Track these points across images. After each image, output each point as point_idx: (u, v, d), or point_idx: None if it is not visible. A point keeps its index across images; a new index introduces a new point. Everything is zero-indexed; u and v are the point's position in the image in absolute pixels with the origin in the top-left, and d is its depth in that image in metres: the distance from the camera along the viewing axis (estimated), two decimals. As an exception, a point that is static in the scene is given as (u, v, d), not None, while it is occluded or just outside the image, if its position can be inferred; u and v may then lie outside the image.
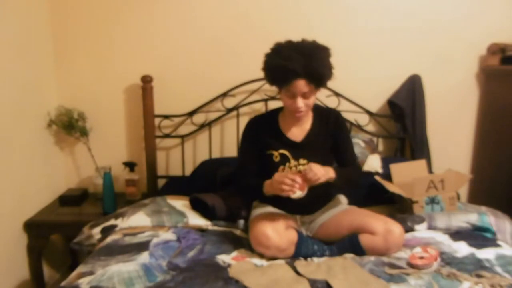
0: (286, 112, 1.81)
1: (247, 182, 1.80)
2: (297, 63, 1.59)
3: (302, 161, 1.77)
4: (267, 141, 1.80)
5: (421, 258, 1.54)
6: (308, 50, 1.63)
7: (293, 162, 1.77)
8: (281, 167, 1.77)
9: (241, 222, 1.95)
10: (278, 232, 1.63)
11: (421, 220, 1.86)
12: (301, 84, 1.62)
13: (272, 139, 1.80)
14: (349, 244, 1.66)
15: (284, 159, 1.77)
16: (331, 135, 1.82)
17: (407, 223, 1.84)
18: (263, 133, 1.81)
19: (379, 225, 1.65)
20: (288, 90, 1.65)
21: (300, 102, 1.66)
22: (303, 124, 1.82)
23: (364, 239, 1.65)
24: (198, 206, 2.01)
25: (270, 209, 1.82)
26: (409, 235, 1.78)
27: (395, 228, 1.65)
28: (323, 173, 1.61)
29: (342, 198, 1.92)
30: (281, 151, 1.78)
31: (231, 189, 2.09)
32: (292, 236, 1.67)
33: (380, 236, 1.63)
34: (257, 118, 1.89)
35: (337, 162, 1.87)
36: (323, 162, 1.76)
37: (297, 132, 1.81)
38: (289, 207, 1.81)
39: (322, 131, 1.82)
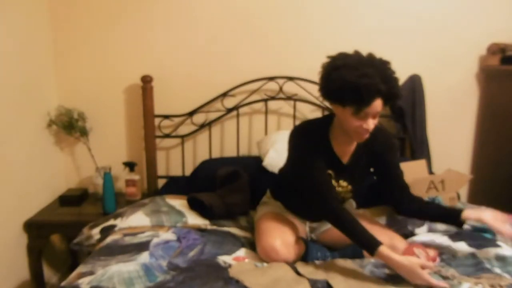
0: (337, 128, 1.63)
1: (352, 220, 1.53)
2: (380, 81, 1.44)
3: (342, 183, 1.69)
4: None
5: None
6: (379, 66, 1.49)
7: (333, 183, 1.67)
8: None
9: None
10: (287, 245, 1.61)
11: (421, 223, 1.85)
12: (379, 104, 1.47)
13: (323, 156, 1.63)
14: (352, 253, 1.63)
15: None
16: (375, 158, 1.69)
17: (408, 227, 1.84)
18: (316, 146, 1.63)
19: (383, 240, 1.55)
20: (362, 110, 1.47)
21: (372, 123, 1.50)
22: (350, 143, 1.66)
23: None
24: (197, 206, 2.01)
25: (280, 210, 1.80)
26: (409, 239, 1.76)
27: (400, 244, 1.62)
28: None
29: (351, 203, 1.90)
30: (327, 170, 1.65)
31: (230, 187, 2.09)
32: (301, 249, 1.65)
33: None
34: (310, 127, 1.69)
35: (382, 188, 1.73)
36: (360, 186, 1.74)
37: (344, 152, 1.67)
38: (301, 212, 1.80)
39: (365, 153, 1.69)
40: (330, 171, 1.66)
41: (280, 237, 1.62)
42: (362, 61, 1.49)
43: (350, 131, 1.55)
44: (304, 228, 1.80)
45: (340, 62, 1.50)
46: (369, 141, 1.62)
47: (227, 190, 2.06)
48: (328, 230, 1.75)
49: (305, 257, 1.63)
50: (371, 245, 1.46)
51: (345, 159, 1.68)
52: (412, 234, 1.82)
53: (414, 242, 1.69)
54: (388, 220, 1.91)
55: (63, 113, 2.38)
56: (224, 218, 1.96)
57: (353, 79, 1.43)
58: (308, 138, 1.64)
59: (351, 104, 1.47)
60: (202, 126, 2.46)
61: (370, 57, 1.53)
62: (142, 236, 1.77)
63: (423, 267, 1.39)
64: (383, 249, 1.44)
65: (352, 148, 1.69)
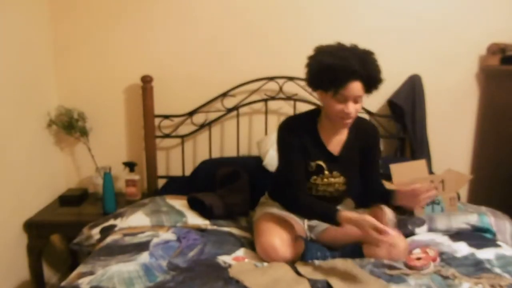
0: (324, 119, 1.69)
1: (311, 201, 1.66)
2: (356, 63, 1.51)
3: (335, 173, 1.71)
4: (306, 150, 1.69)
5: (418, 259, 1.53)
6: (360, 52, 1.57)
7: (326, 174, 1.71)
8: (314, 177, 1.71)
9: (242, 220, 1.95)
10: (285, 243, 1.62)
11: (421, 223, 1.86)
12: (357, 87, 1.53)
13: (312, 148, 1.69)
14: (352, 253, 1.64)
15: (319, 170, 1.70)
16: (364, 149, 1.75)
17: (408, 227, 1.84)
18: (303, 140, 1.69)
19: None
20: (341, 93, 1.53)
21: (352, 107, 1.56)
22: (340, 134, 1.72)
23: (367, 250, 1.62)
24: (197, 206, 2.01)
25: (278, 210, 1.80)
26: (409, 239, 1.76)
27: (400, 242, 1.62)
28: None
29: (349, 202, 1.91)
30: (318, 161, 1.70)
31: (230, 187, 2.09)
32: (300, 248, 1.65)
33: (384, 249, 1.59)
34: (295, 121, 1.75)
35: (361, 176, 1.78)
36: (354, 177, 1.75)
37: (335, 143, 1.72)
38: None
39: (357, 145, 1.74)
40: (321, 163, 1.69)
41: (279, 236, 1.63)
42: (342, 48, 1.58)
43: (333, 117, 1.62)
44: (302, 227, 1.80)
45: (321, 50, 1.60)
46: (360, 131, 1.72)
47: (227, 190, 2.06)
48: (327, 229, 1.75)
49: (304, 256, 1.63)
50: (332, 214, 1.54)
51: (336, 150, 1.72)
52: (412, 234, 1.82)
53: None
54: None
55: (63, 113, 2.38)
56: (224, 218, 1.97)
57: (329, 61, 1.53)
58: (291, 133, 1.69)
59: (329, 86, 1.55)
60: (202, 126, 2.46)
61: (352, 46, 1.60)
62: (142, 236, 1.77)
63: (375, 228, 1.44)
64: (342, 213, 1.53)
65: (343, 139, 1.73)
